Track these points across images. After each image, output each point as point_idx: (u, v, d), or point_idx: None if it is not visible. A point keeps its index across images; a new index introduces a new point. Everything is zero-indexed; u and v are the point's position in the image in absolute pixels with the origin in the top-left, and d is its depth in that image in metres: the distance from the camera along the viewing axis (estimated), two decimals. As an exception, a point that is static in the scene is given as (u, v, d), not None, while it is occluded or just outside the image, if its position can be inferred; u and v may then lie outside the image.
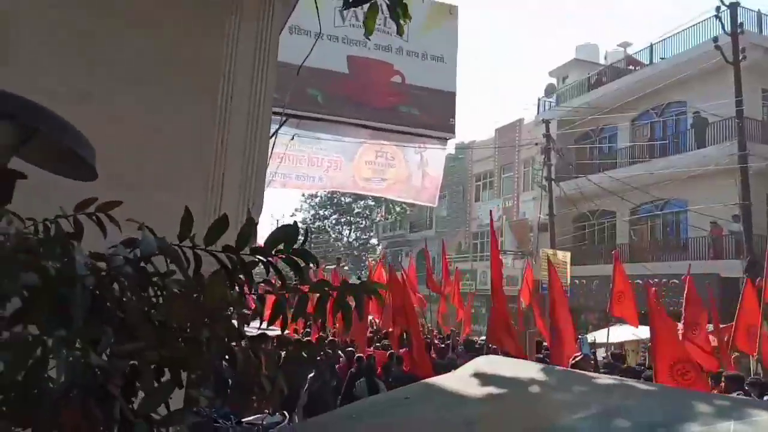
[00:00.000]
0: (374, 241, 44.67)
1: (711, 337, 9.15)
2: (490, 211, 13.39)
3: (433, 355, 9.90)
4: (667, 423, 1.43)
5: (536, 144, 22.94)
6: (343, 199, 43.25)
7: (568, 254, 15.83)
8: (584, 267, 19.37)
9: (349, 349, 9.32)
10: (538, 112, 25.74)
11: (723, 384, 6.88)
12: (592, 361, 7.80)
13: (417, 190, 10.18)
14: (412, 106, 9.53)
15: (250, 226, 1.21)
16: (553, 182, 21.78)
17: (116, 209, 1.26)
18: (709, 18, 17.50)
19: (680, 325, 8.80)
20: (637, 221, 20.87)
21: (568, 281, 15.07)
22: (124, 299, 1.06)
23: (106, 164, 1.48)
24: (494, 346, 7.92)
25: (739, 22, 16.17)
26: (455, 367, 8.52)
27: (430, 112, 9.56)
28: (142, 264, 1.09)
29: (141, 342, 0.99)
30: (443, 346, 10.55)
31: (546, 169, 22.20)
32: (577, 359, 7.40)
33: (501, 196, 28.65)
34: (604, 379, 2.02)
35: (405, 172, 9.97)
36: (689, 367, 6.45)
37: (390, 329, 10.36)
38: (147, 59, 2.62)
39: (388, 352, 9.23)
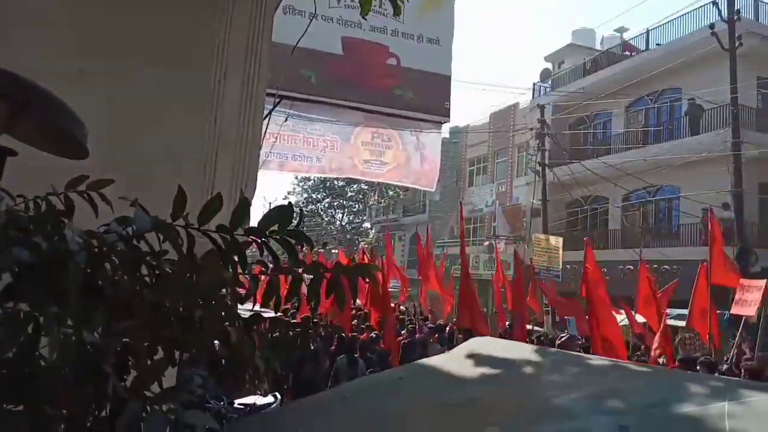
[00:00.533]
0: (367, 224, 44.71)
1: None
2: (460, 202, 13.64)
3: (406, 336, 10.17)
4: (661, 403, 1.45)
5: (531, 129, 22.93)
6: (336, 182, 43.16)
7: (561, 239, 15.91)
8: (576, 252, 19.43)
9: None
10: (533, 97, 25.68)
11: (677, 364, 7.25)
12: (579, 341, 8.15)
13: (417, 175, 10.13)
14: (407, 89, 9.47)
15: (245, 206, 1.20)
16: (546, 167, 21.80)
17: (108, 189, 1.25)
18: (706, 4, 17.46)
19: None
20: (629, 207, 20.96)
21: (560, 266, 15.15)
22: (117, 278, 1.05)
23: (98, 144, 1.47)
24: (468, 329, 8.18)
25: (736, 8, 16.15)
26: (425, 345, 8.79)
27: (425, 96, 9.50)
28: (135, 242, 1.08)
29: (135, 320, 0.99)
30: (411, 326, 10.87)
31: (540, 155, 22.21)
32: (563, 339, 7.75)
33: (494, 181, 28.68)
34: (598, 361, 2.04)
35: (403, 154, 9.92)
36: (609, 345, 7.29)
37: (368, 309, 10.79)
38: (141, 38, 2.59)
39: (372, 334, 9.57)
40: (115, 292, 1.03)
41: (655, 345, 8.30)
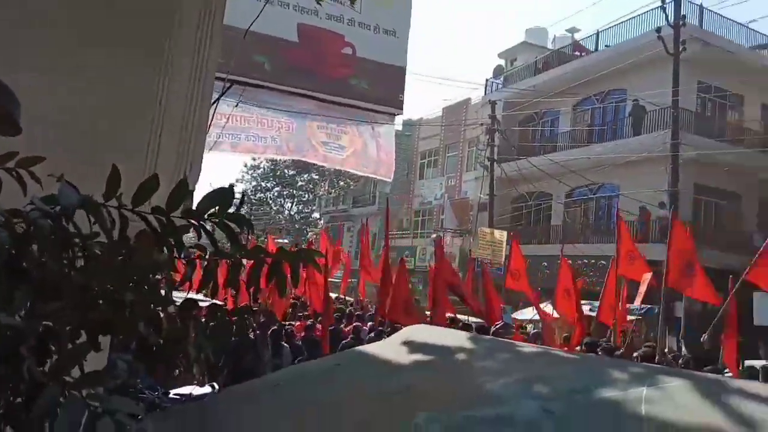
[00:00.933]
0: (316, 215, 44.47)
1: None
2: (386, 198, 14.03)
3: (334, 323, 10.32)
4: (584, 389, 1.51)
5: (481, 124, 23.24)
6: (286, 171, 42.75)
7: (505, 233, 16.26)
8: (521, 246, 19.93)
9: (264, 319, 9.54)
10: (485, 93, 26.00)
11: (583, 348, 7.85)
12: (513, 329, 8.56)
13: (375, 164, 10.06)
14: (362, 79, 9.40)
15: (183, 187, 1.16)
16: (495, 163, 22.17)
17: (47, 170, 1.20)
18: (654, 9, 18.02)
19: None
20: (571, 203, 21.56)
21: (503, 259, 15.48)
22: (44, 260, 1.01)
23: (36, 122, 1.40)
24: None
25: (682, 14, 16.75)
26: (358, 332, 8.87)
27: (379, 87, 9.46)
28: (65, 223, 1.04)
29: (61, 302, 0.95)
30: (338, 314, 11.11)
31: (489, 150, 22.55)
32: (497, 327, 8.07)
33: (444, 175, 28.98)
34: (528, 348, 2.11)
35: (360, 139, 9.82)
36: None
37: (307, 298, 10.86)
38: (87, 18, 2.50)
39: (308, 322, 9.61)
40: (41, 273, 0.99)
41: (565, 333, 8.86)
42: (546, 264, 17.81)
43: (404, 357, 1.91)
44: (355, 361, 2.02)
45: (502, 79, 26.48)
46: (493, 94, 24.83)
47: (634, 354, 7.86)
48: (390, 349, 2.01)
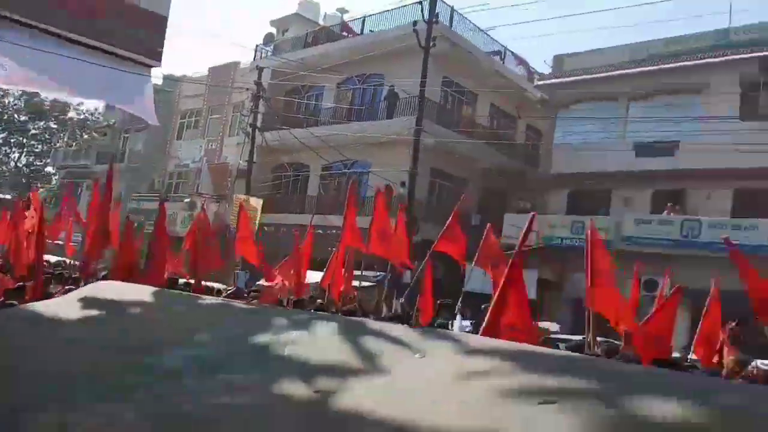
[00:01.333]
0: (50, 169, 39.36)
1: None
2: (112, 154, 13.31)
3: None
4: (244, 335, 1.73)
5: (248, 89, 22.97)
6: (16, 116, 37.10)
7: (261, 201, 16.49)
8: (276, 215, 20.32)
9: None
10: (254, 59, 25.68)
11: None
12: (245, 294, 9.05)
13: (139, 103, 9.18)
14: (116, 22, 8.60)
15: None
16: (257, 130, 22.15)
17: None
18: (415, 3, 19.52)
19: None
20: (327, 176, 22.57)
21: (257, 227, 15.68)
22: None
23: None
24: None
25: (436, 12, 18.47)
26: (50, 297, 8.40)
27: (135, 34, 8.74)
28: None
29: None
30: (47, 275, 10.50)
31: (252, 117, 22.43)
32: (229, 292, 8.58)
33: (205, 137, 28.00)
34: (211, 301, 2.30)
35: (114, 75, 8.87)
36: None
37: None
38: None
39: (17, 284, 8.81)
40: None
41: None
42: (299, 233, 18.45)
43: (78, 312, 1.93)
44: (26, 318, 1.99)
45: (272, 47, 26.37)
46: (261, 61, 24.60)
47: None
48: (65, 305, 2.02)
